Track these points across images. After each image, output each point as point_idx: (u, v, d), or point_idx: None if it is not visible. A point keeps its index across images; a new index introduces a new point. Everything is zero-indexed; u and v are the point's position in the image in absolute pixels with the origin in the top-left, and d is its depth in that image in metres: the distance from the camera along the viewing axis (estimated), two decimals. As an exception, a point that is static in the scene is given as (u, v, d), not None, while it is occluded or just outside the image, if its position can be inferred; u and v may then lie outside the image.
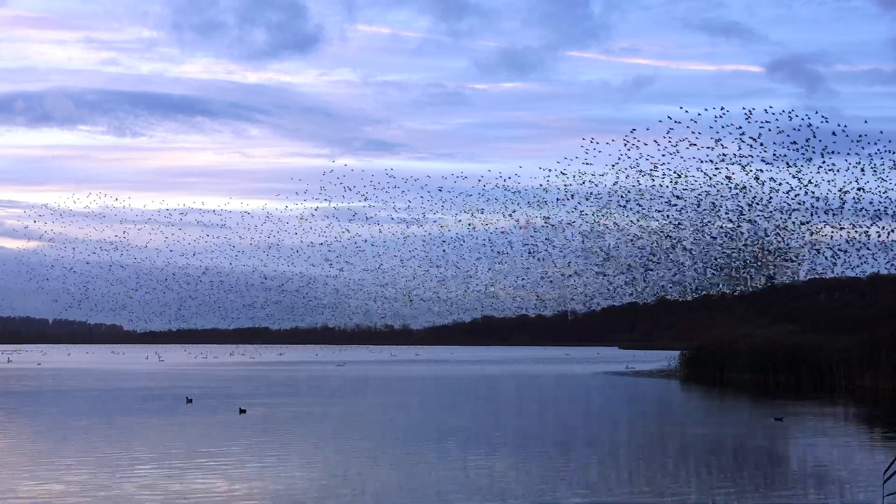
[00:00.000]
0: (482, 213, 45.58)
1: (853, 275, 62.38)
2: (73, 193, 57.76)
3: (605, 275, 51.85)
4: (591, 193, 48.75)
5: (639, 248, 50.42)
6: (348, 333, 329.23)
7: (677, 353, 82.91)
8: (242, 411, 38.91)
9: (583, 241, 52.56)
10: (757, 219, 50.22)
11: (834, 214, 53.05)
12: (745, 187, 51.39)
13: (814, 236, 53.36)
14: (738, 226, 50.39)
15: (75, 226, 50.30)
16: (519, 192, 50.83)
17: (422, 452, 25.45)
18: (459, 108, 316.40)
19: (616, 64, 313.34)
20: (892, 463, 10.73)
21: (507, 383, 66.38)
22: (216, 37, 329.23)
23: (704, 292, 51.50)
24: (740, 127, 47.22)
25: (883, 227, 53.50)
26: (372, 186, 43.83)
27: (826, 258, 56.35)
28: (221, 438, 29.04)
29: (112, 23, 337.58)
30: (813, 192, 52.30)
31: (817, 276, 60.66)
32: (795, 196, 53.03)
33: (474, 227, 45.85)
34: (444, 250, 46.99)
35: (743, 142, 47.82)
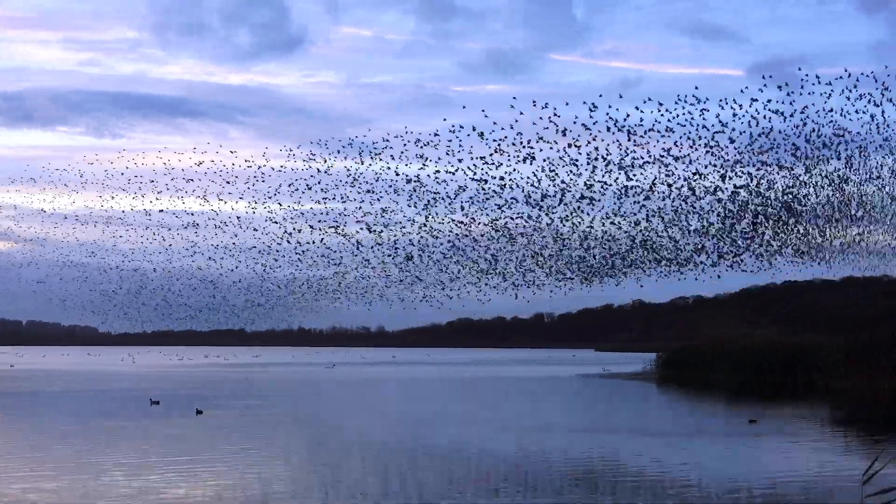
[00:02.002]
0: (465, 214, 45.10)
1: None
2: (51, 194, 57.22)
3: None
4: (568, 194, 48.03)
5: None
6: (325, 335, 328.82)
7: (652, 355, 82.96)
8: (199, 412, 38.39)
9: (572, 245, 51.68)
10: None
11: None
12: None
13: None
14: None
15: (52, 226, 49.56)
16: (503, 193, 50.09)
17: (392, 458, 25.06)
18: (443, 109, 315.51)
19: (600, 67, 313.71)
20: (873, 464, 10.33)
21: (486, 386, 66.12)
22: (200, 38, 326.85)
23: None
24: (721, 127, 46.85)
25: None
26: (354, 188, 43.37)
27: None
28: (192, 442, 28.55)
29: (94, 23, 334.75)
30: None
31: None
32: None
33: (457, 229, 45.36)
34: (426, 252, 46.41)
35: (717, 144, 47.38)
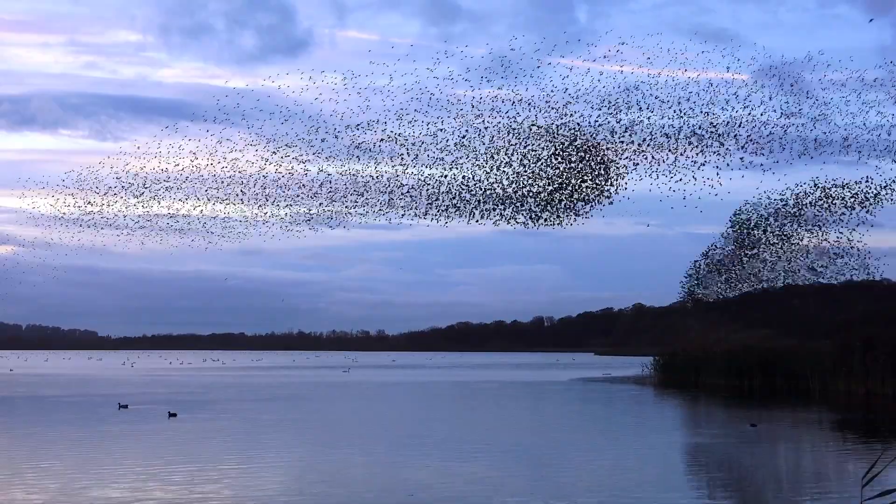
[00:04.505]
0: (466, 220, 45.17)
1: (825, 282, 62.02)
2: (53, 197, 56.89)
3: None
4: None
5: None
6: (324, 339, 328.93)
7: (651, 359, 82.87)
8: (172, 415, 38.15)
9: None
10: None
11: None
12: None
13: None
14: None
15: (53, 230, 49.54)
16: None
17: (392, 458, 25.13)
18: (448, 112, 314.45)
19: (604, 70, 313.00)
20: (871, 468, 10.49)
21: (492, 389, 66.17)
22: (204, 40, 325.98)
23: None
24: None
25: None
26: (356, 192, 43.48)
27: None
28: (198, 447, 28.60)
29: (98, 26, 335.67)
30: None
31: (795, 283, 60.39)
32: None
33: (458, 234, 45.66)
34: (426, 257, 46.57)
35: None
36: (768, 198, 52.78)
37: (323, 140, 44.49)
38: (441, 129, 43.63)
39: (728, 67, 43.00)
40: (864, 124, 46.21)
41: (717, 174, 47.93)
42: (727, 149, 45.06)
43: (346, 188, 46.15)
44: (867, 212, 50.51)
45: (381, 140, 43.28)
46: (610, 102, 42.90)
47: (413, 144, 43.64)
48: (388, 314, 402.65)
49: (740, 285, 60.47)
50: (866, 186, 49.08)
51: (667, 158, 44.48)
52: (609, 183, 45.50)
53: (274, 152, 45.54)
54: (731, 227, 57.19)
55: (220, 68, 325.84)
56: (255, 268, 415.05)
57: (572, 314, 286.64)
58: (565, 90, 42.82)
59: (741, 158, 47.03)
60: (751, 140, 45.37)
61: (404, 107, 43.60)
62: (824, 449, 28.12)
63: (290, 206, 47.30)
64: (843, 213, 50.56)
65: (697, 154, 45.10)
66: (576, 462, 24.39)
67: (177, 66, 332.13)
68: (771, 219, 53.61)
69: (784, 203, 52.22)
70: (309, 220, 48.07)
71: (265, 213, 48.05)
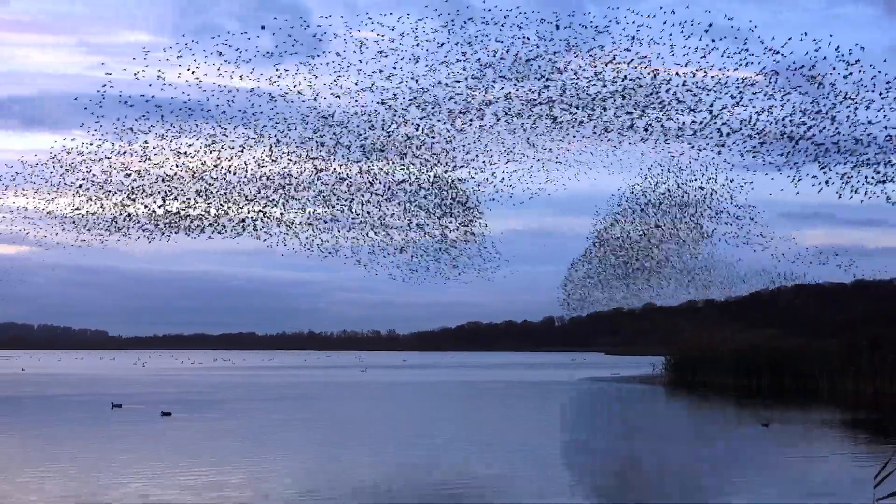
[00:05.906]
0: (478, 220, 44.96)
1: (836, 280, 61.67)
2: (64, 198, 56.71)
3: None
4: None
5: None
6: (334, 339, 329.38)
7: (661, 358, 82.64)
8: (166, 414, 38.12)
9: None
10: None
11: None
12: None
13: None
14: None
15: (64, 231, 49.42)
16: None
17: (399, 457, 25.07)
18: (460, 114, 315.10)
19: (615, 70, 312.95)
20: (884, 468, 10.39)
21: (500, 389, 66.13)
22: (215, 41, 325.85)
23: None
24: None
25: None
26: (369, 193, 43.36)
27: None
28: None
29: (108, 26, 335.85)
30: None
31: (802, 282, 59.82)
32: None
33: (469, 234, 45.12)
34: (436, 258, 46.02)
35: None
36: (631, 192, 50.60)
37: (336, 141, 44.42)
38: (453, 130, 43.49)
39: (737, 67, 42.72)
40: (874, 124, 45.90)
41: (728, 176, 47.75)
42: (735, 149, 44.81)
43: (362, 189, 45.97)
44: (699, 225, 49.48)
45: (393, 141, 43.20)
46: (628, 100, 42.61)
47: (425, 145, 43.57)
48: (388, 314, 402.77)
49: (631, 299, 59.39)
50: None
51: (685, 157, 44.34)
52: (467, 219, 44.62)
53: (286, 153, 45.40)
54: (596, 230, 53.51)
55: (232, 68, 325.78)
56: (256, 268, 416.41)
57: (582, 313, 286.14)
58: (589, 85, 42.49)
59: (754, 158, 46.80)
60: (761, 140, 45.11)
61: (417, 107, 43.46)
62: (836, 448, 27.96)
63: (302, 206, 47.11)
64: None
65: (705, 153, 44.92)
66: (582, 462, 24.31)
67: (188, 66, 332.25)
68: (634, 215, 51.70)
69: (646, 201, 50.64)
70: (325, 221, 47.77)
71: (277, 214, 47.84)
